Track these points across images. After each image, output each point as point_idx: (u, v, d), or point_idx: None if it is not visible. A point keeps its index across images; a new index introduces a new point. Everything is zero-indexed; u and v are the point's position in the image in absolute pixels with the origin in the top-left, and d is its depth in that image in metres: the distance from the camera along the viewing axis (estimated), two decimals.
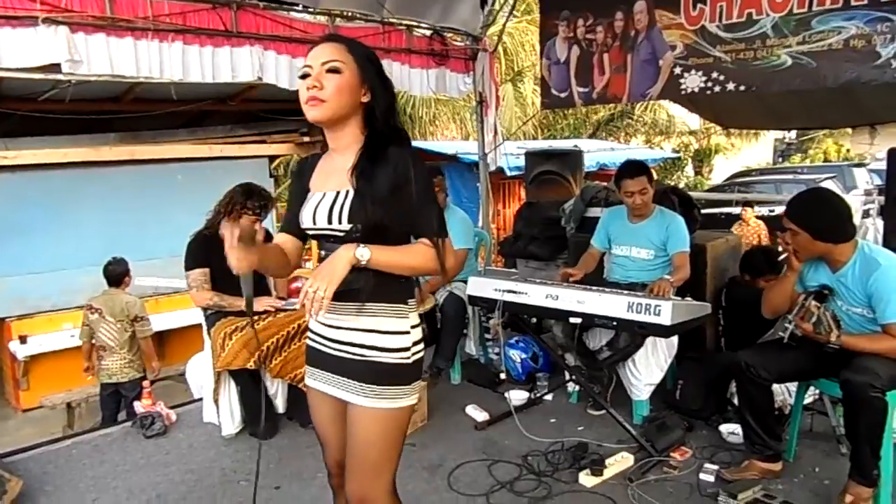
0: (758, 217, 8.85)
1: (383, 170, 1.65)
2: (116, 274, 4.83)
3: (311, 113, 1.67)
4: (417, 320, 1.77)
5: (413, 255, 1.68)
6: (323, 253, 1.74)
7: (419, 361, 1.77)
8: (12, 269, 5.72)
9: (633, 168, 3.75)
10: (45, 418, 5.65)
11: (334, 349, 1.76)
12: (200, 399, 3.86)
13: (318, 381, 1.83)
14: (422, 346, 1.78)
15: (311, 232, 1.78)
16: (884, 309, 2.53)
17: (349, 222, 1.66)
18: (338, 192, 1.69)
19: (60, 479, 3.18)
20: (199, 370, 3.87)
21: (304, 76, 1.68)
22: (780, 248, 3.01)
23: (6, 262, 5.67)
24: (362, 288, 1.66)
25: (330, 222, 1.69)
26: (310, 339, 1.86)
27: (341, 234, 1.68)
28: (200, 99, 6.22)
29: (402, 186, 1.64)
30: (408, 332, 1.73)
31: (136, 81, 4.44)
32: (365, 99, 1.71)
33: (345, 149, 1.74)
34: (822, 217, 2.69)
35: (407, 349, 1.72)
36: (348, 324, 1.72)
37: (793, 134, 20.48)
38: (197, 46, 3.98)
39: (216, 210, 3.53)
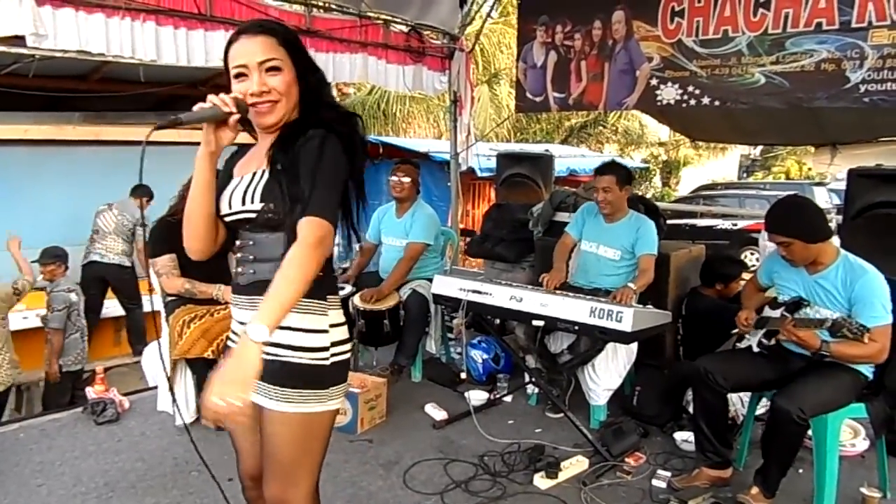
0: (720, 230, 8.97)
1: (300, 147, 1.53)
2: None
3: (268, 119, 1.59)
4: (339, 319, 1.63)
5: (294, 272, 1.42)
6: (238, 243, 1.65)
7: (341, 364, 1.62)
8: None
9: (604, 166, 3.83)
10: None
11: None
12: (155, 387, 3.79)
13: None
14: (345, 347, 1.63)
15: (227, 219, 1.65)
16: (869, 314, 2.57)
17: (261, 201, 1.56)
18: (254, 174, 1.60)
19: (4, 464, 3.08)
20: (156, 358, 3.79)
21: (241, 76, 1.59)
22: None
23: None
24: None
25: (243, 203, 1.59)
26: (230, 339, 1.76)
27: (254, 214, 1.58)
28: (170, 82, 6.10)
29: (304, 162, 1.51)
30: (325, 331, 1.58)
31: (104, 60, 4.32)
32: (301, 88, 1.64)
33: (275, 132, 1.64)
34: (807, 220, 2.71)
35: (324, 349, 1.58)
36: None
37: (757, 151, 20.90)
38: (171, 28, 3.92)
39: (180, 195, 3.46)
